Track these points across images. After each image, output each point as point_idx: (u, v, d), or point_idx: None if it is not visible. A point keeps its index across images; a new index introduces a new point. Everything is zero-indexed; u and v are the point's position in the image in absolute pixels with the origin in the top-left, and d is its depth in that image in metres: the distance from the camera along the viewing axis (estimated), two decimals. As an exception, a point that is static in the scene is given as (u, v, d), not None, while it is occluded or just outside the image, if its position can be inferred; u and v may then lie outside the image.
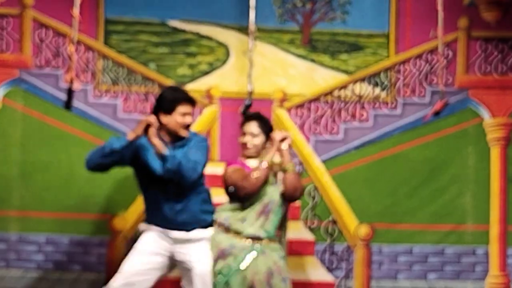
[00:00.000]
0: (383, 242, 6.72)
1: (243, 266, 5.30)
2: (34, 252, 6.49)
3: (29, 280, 6.44)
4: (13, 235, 6.45)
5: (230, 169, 5.42)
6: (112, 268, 6.47)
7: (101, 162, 5.15)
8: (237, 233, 5.35)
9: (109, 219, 6.52)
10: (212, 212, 5.42)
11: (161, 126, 5.26)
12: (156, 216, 5.30)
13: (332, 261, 6.68)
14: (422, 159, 6.80)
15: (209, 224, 5.38)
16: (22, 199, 6.43)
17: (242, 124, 5.50)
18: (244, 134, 5.46)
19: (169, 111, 5.24)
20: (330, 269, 6.69)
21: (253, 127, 5.44)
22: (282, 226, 5.46)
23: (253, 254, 5.32)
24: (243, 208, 5.38)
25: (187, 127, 5.30)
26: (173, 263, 5.40)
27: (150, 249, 5.31)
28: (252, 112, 5.84)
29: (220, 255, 5.33)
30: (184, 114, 5.26)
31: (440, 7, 6.46)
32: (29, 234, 6.45)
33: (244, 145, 5.46)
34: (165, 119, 5.25)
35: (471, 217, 6.82)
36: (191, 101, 5.32)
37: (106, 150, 5.10)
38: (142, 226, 5.41)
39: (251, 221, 5.37)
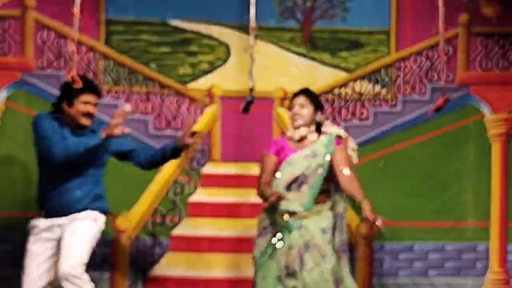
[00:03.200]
0: (384, 239, 6.73)
1: (278, 244, 5.35)
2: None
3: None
4: (17, 236, 6.47)
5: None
6: (116, 267, 6.55)
7: (73, 160, 5.28)
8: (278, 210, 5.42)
9: (112, 219, 6.50)
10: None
11: (65, 115, 5.39)
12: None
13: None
14: (422, 156, 6.81)
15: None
16: (26, 200, 6.44)
17: (292, 99, 5.63)
18: (293, 106, 5.59)
19: (71, 99, 5.37)
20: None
21: (300, 99, 5.56)
22: (328, 195, 5.52)
23: (289, 229, 5.36)
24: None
25: (88, 115, 5.39)
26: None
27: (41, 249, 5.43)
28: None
29: (261, 233, 5.43)
30: (86, 103, 5.38)
31: (441, 2, 6.44)
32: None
33: (293, 116, 5.56)
34: (67, 107, 5.38)
35: (472, 213, 6.83)
36: (94, 91, 5.44)
37: (81, 149, 5.22)
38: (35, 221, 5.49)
39: (287, 196, 5.39)
